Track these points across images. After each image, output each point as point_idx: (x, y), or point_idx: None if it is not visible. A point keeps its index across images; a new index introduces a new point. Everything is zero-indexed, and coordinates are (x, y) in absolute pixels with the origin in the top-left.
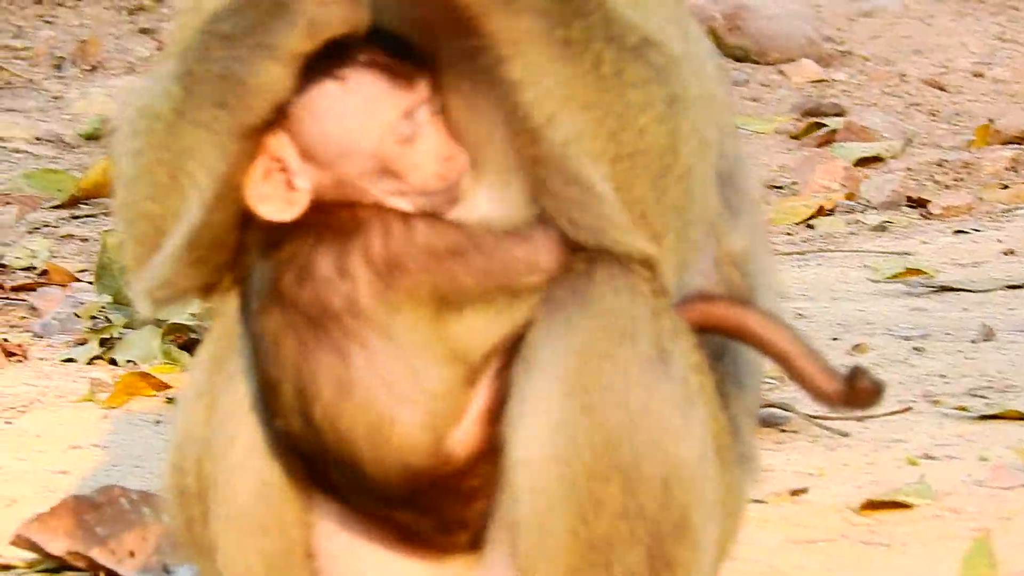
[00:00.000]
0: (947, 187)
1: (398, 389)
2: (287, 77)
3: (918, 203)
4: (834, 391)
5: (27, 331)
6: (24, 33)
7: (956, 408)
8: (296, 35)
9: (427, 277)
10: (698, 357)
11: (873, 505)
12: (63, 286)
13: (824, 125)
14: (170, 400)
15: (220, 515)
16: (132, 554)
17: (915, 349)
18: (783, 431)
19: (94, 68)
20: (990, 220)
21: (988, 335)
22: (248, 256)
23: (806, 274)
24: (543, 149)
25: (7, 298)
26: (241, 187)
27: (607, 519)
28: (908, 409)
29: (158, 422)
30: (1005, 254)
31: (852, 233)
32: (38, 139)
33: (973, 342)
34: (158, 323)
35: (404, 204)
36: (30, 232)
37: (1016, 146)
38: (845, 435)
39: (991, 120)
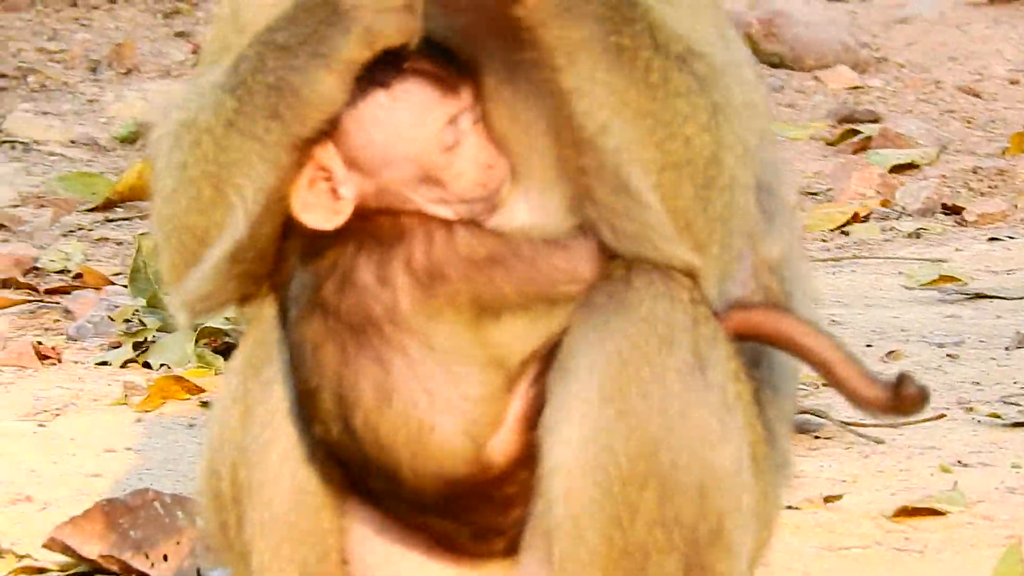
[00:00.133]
0: (982, 194)
1: (438, 397)
2: (342, 88)
3: (953, 210)
4: (876, 397)
5: (61, 334)
6: (59, 36)
7: (989, 415)
8: (352, 44)
9: (467, 285)
10: (736, 364)
11: (906, 512)
12: (97, 289)
13: (859, 132)
14: (204, 404)
15: (255, 520)
16: (165, 558)
17: (949, 356)
18: (817, 437)
19: (129, 71)
20: None
21: (1022, 342)
22: (287, 263)
23: (840, 281)
24: (594, 158)
25: (41, 301)
26: (287, 200)
27: (643, 526)
28: (942, 416)
29: (192, 426)
30: None
31: (887, 240)
32: (73, 142)
33: (1007, 349)
34: (192, 327)
35: (445, 212)
36: (64, 235)
37: None
38: (879, 442)
39: None
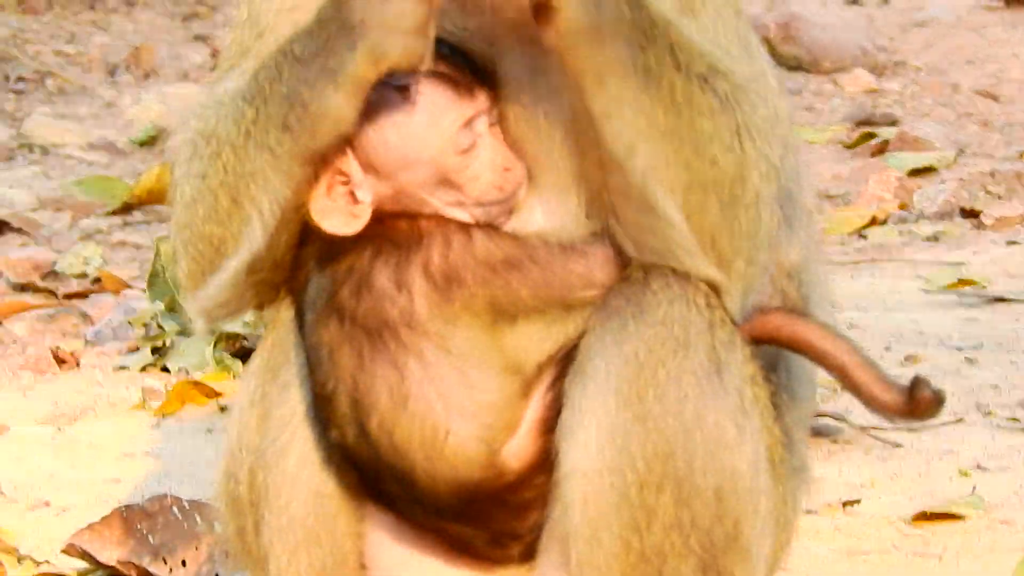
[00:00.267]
0: (999, 198)
1: (454, 401)
2: (351, 106)
3: (970, 213)
4: (892, 401)
5: (79, 339)
6: (77, 39)
7: (1008, 419)
8: (358, 62)
9: (484, 289)
10: (753, 368)
11: (925, 516)
12: (115, 293)
13: (877, 135)
14: (222, 408)
15: (273, 525)
16: (184, 563)
17: (967, 360)
18: (835, 442)
19: (147, 75)
20: None
21: None
22: (304, 268)
23: (858, 284)
24: (620, 178)
25: (60, 305)
26: (304, 210)
27: (660, 530)
28: (960, 420)
29: (210, 430)
30: None
31: (904, 243)
32: (91, 146)
33: None
34: (211, 331)
35: (462, 215)
36: (83, 239)
37: None
38: (897, 446)
39: None
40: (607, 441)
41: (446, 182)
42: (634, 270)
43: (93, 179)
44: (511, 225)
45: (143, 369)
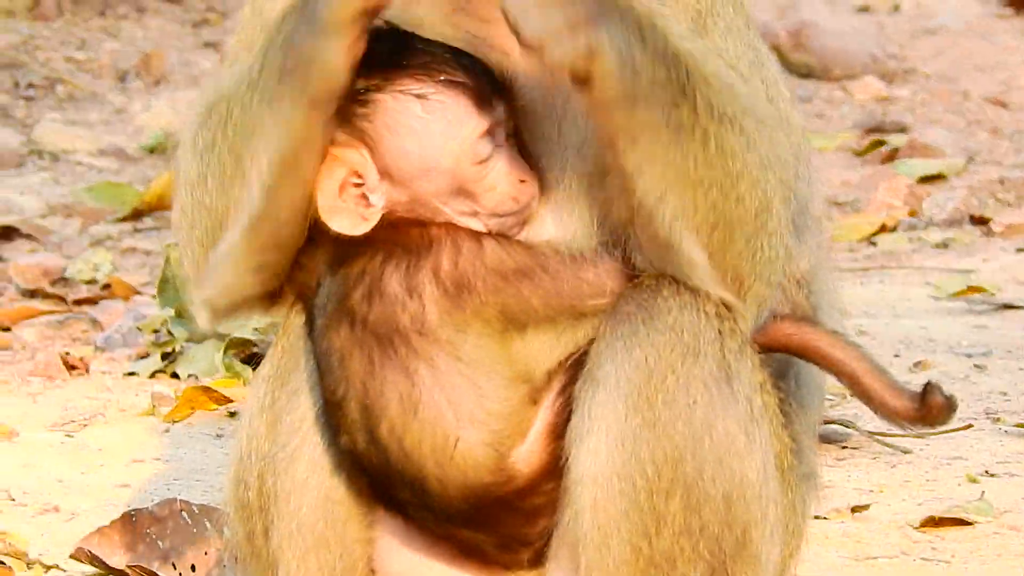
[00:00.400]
0: (1009, 205)
1: (464, 408)
2: (336, 50)
3: (980, 221)
4: (903, 408)
5: (89, 344)
6: (88, 45)
7: (1016, 426)
8: (332, 5)
9: (495, 297)
10: (763, 376)
11: (933, 522)
12: (125, 299)
13: (887, 142)
14: (232, 414)
15: (282, 530)
16: (193, 568)
17: (976, 367)
18: (844, 448)
19: (158, 81)
20: None
21: None
22: (315, 272)
23: (868, 291)
24: (647, 223)
25: (69, 311)
26: (301, 173)
27: (669, 536)
28: (969, 426)
29: (219, 436)
30: None
31: (914, 250)
32: (101, 152)
33: None
34: (220, 337)
35: (475, 224)
36: (92, 245)
37: None
38: (906, 452)
39: None
40: (617, 446)
41: (462, 192)
42: (645, 277)
43: (103, 185)
44: (523, 234)
45: (153, 375)
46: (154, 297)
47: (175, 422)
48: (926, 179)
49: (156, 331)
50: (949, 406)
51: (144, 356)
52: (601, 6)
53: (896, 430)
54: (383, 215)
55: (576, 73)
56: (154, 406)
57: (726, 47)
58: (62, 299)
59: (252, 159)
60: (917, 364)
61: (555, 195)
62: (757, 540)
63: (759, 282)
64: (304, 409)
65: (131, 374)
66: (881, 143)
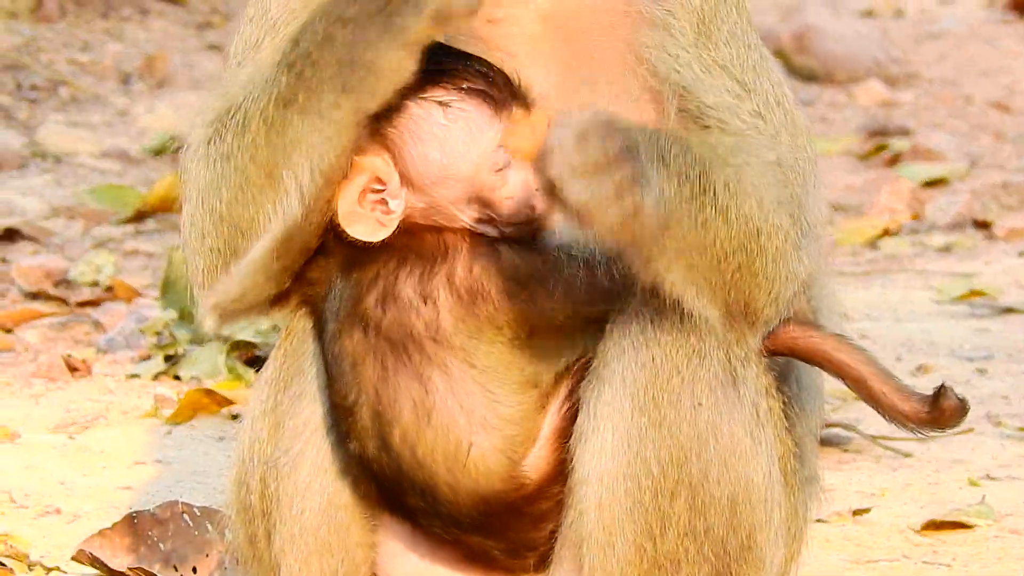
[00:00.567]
0: (1011, 209)
1: (477, 414)
2: (412, 63)
3: (982, 225)
4: (912, 411)
5: (91, 347)
6: (91, 47)
7: (1018, 429)
8: (424, 24)
9: (509, 304)
10: (768, 380)
11: (934, 525)
12: (128, 302)
13: (890, 146)
14: (234, 417)
15: (285, 534)
16: (195, 571)
17: (978, 370)
18: (846, 451)
19: (161, 83)
20: None
21: None
22: (326, 276)
23: (870, 294)
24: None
25: (72, 313)
26: (338, 183)
27: (674, 537)
28: (970, 430)
29: (222, 439)
30: None
31: (916, 254)
32: (104, 154)
33: None
34: (223, 339)
35: (491, 231)
36: (95, 247)
37: None
38: (907, 455)
39: None
40: (622, 446)
41: (479, 199)
42: None
43: (106, 187)
44: (537, 241)
45: (155, 377)
46: (157, 299)
47: (177, 424)
48: (929, 183)
49: (158, 333)
50: (962, 408)
51: (146, 358)
52: (640, 160)
53: (898, 433)
54: (399, 221)
55: (621, 231)
56: (156, 408)
57: (729, 54)
58: (64, 301)
59: (291, 172)
60: (919, 367)
61: None
62: (761, 543)
63: (771, 306)
64: (307, 413)
65: (133, 376)
66: (884, 147)
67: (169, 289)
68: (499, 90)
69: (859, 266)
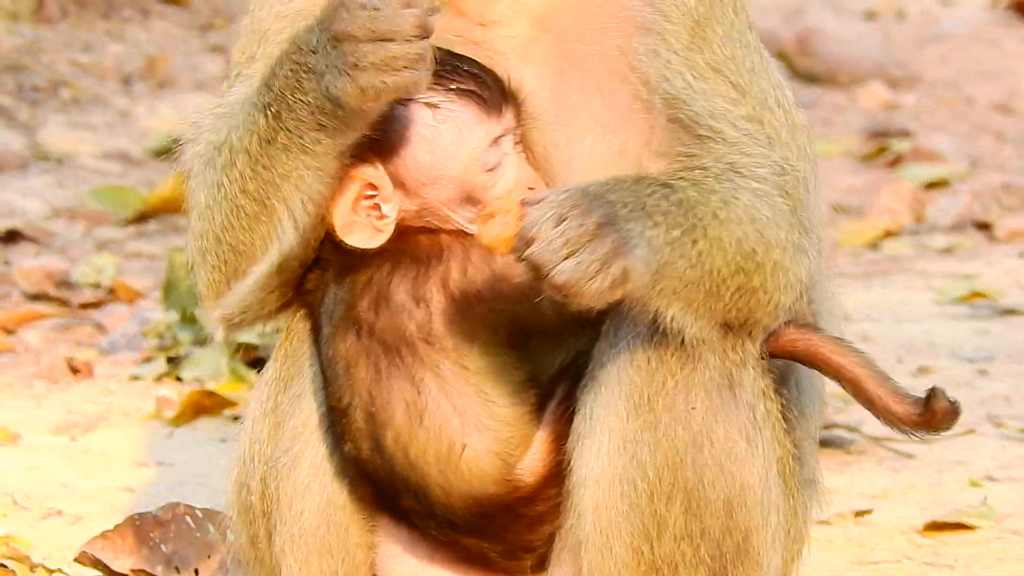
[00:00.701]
0: (1012, 210)
1: (470, 416)
2: (375, 108)
3: (983, 226)
4: (906, 413)
5: (93, 348)
6: (92, 48)
7: (1019, 431)
8: (353, 96)
9: (503, 305)
10: (766, 383)
11: (936, 526)
12: (129, 303)
13: (891, 148)
14: (236, 418)
15: (285, 534)
16: (196, 572)
17: (979, 372)
18: (848, 453)
19: (162, 84)
20: None
21: None
22: (322, 279)
23: (871, 296)
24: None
25: (73, 315)
26: (330, 208)
27: (670, 540)
28: (971, 432)
29: (224, 440)
30: None
31: (917, 255)
32: (105, 155)
33: None
34: (229, 340)
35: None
36: (97, 249)
37: None
38: (909, 457)
39: None
40: (618, 448)
41: (471, 200)
42: None
43: (107, 189)
44: None
45: (157, 379)
46: (158, 301)
47: (179, 426)
48: (930, 185)
49: (160, 335)
50: (953, 411)
51: (148, 360)
52: (621, 225)
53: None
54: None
55: (613, 296)
56: (158, 410)
57: (724, 56)
58: (66, 303)
59: (283, 203)
60: (920, 369)
61: None
62: (758, 546)
63: (771, 315)
64: (306, 414)
65: (135, 378)
66: (885, 149)
67: (171, 291)
68: (489, 90)
69: (860, 267)
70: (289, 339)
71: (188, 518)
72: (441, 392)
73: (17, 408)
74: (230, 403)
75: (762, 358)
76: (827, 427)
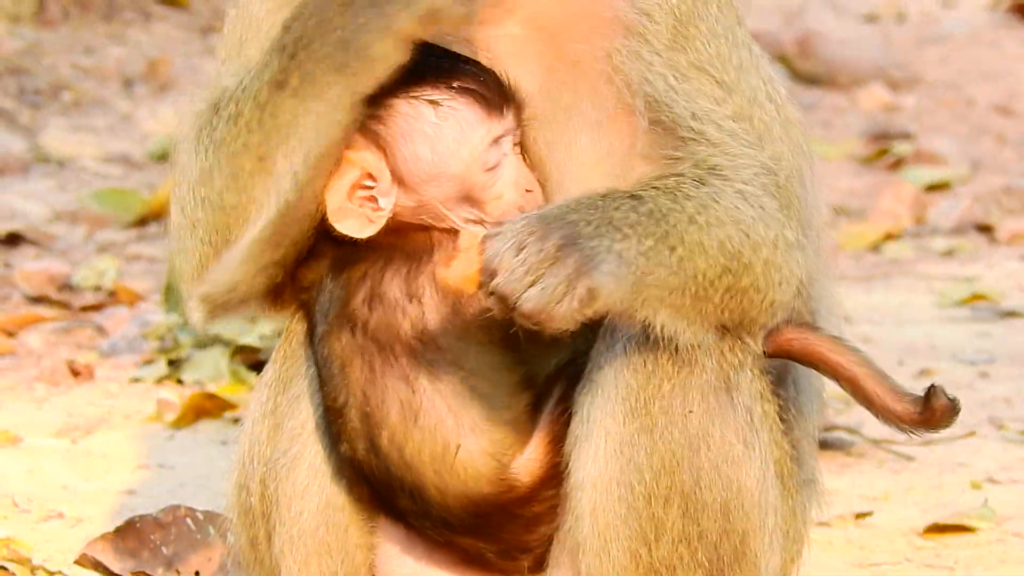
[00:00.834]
0: (1013, 213)
1: (465, 415)
2: (402, 53)
3: (984, 228)
4: (905, 411)
5: (94, 351)
6: (93, 51)
7: (1020, 433)
8: (413, 22)
9: None
10: (763, 385)
11: (937, 528)
12: (131, 306)
13: (892, 150)
14: (237, 421)
15: (284, 536)
16: (197, 574)
17: (980, 374)
18: (848, 454)
19: (164, 87)
20: None
21: None
22: (317, 277)
23: (872, 298)
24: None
25: (74, 318)
26: (332, 165)
27: (668, 543)
28: (973, 433)
29: (224, 443)
30: None
31: (919, 258)
32: (107, 158)
33: None
34: (226, 343)
35: (480, 231)
36: (98, 252)
37: None
38: (910, 459)
39: None
40: (615, 451)
41: (468, 199)
42: None
43: (109, 192)
44: None
45: (158, 381)
46: (159, 304)
47: (180, 428)
48: (931, 187)
49: (161, 337)
50: (953, 409)
51: (149, 362)
52: (583, 244)
53: (900, 437)
54: (387, 220)
55: (584, 315)
56: (159, 412)
57: (708, 53)
58: (67, 305)
59: (285, 154)
60: (921, 371)
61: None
62: (756, 548)
63: (767, 313)
64: (305, 415)
65: (136, 380)
66: (886, 151)
67: (172, 293)
68: (490, 90)
69: (861, 270)
70: (288, 340)
71: (189, 520)
72: (436, 392)
73: (18, 410)
74: (231, 405)
75: (760, 358)
76: (827, 429)
